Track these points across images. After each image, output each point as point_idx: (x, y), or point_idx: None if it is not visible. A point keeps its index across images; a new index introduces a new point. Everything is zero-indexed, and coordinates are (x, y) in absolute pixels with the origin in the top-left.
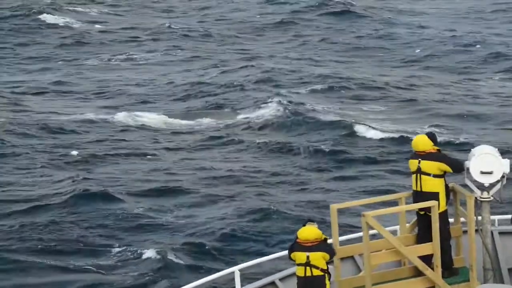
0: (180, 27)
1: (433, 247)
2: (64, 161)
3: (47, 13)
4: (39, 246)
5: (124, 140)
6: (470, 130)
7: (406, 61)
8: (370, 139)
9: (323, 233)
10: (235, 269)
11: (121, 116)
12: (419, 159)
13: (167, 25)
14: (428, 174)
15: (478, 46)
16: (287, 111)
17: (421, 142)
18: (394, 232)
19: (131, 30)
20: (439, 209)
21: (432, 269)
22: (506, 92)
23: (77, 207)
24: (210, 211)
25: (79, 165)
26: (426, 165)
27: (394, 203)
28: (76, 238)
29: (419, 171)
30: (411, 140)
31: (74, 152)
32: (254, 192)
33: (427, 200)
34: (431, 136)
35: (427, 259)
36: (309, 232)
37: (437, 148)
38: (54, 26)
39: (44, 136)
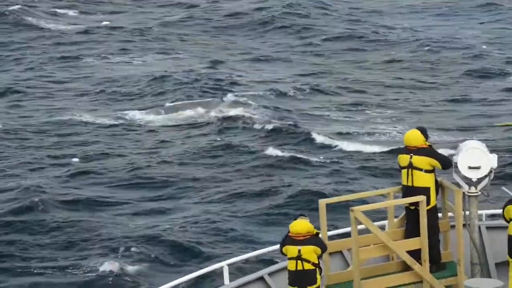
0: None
1: (421, 242)
2: (42, 161)
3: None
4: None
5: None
6: (449, 129)
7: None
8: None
9: (314, 227)
10: (224, 264)
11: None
12: (411, 154)
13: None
14: (420, 169)
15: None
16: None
17: (413, 137)
18: (382, 227)
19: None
20: (429, 204)
21: (420, 263)
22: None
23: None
24: (197, 207)
25: (54, 166)
26: (418, 160)
27: (383, 198)
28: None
29: (410, 166)
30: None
31: (48, 153)
32: (242, 188)
33: (418, 195)
34: (423, 131)
35: (415, 253)
36: (301, 226)
37: (429, 143)
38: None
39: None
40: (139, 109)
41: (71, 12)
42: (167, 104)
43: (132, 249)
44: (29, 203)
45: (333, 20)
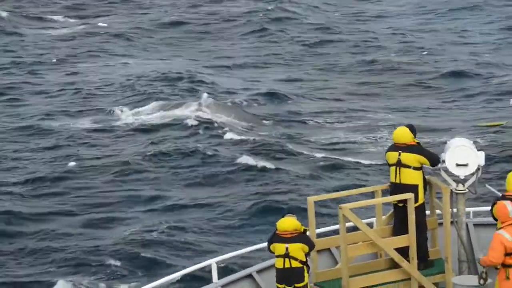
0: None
1: (409, 239)
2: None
3: None
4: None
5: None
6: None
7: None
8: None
9: (302, 225)
10: (212, 261)
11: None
12: (399, 151)
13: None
14: (408, 167)
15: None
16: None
17: (402, 134)
18: (370, 225)
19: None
20: (417, 201)
21: (408, 261)
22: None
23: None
24: (185, 206)
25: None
26: (407, 157)
27: (371, 195)
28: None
29: (399, 164)
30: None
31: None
32: (229, 186)
33: (406, 192)
34: (411, 128)
35: (403, 251)
36: (288, 223)
37: (417, 141)
38: None
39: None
40: (116, 112)
41: (54, 17)
42: (144, 108)
43: (116, 250)
44: None
45: (307, 27)
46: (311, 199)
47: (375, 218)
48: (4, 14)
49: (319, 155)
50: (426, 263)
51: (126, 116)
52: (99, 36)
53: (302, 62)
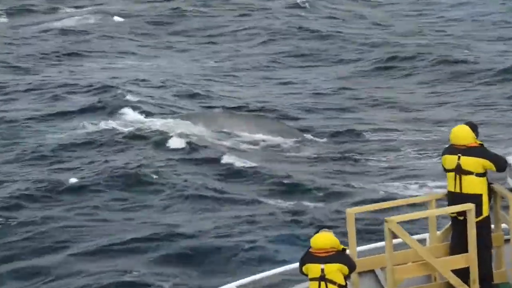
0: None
1: (469, 259)
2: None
3: None
4: None
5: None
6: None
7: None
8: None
9: (340, 242)
10: (233, 286)
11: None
12: (459, 155)
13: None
14: (471, 173)
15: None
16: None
17: (462, 134)
18: (422, 241)
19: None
20: (481, 214)
21: (468, 285)
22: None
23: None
24: (204, 219)
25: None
26: (468, 161)
27: (423, 207)
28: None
29: (458, 169)
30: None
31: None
32: (255, 197)
33: (468, 203)
34: (473, 126)
35: (462, 273)
36: (324, 239)
37: (480, 141)
38: None
39: None
40: (83, 121)
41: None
42: (113, 115)
43: (130, 268)
44: None
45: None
46: (351, 211)
47: (428, 234)
48: None
49: (360, 159)
50: (490, 287)
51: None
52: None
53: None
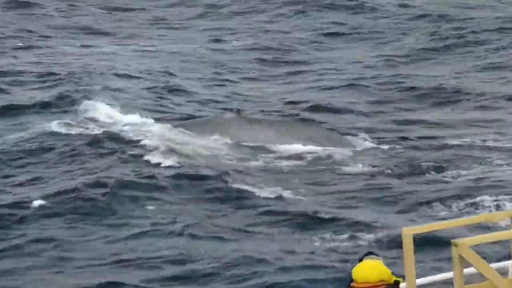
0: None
1: None
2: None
3: None
4: None
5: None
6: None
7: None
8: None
9: (392, 272)
10: None
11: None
12: None
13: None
14: None
15: None
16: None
17: None
18: (503, 271)
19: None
20: None
21: None
22: None
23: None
24: (229, 240)
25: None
26: None
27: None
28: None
29: None
30: None
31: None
32: (285, 230)
33: None
34: None
35: None
36: (370, 269)
37: None
38: None
39: None
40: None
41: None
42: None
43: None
44: None
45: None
46: (409, 231)
47: (511, 262)
48: None
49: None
50: None
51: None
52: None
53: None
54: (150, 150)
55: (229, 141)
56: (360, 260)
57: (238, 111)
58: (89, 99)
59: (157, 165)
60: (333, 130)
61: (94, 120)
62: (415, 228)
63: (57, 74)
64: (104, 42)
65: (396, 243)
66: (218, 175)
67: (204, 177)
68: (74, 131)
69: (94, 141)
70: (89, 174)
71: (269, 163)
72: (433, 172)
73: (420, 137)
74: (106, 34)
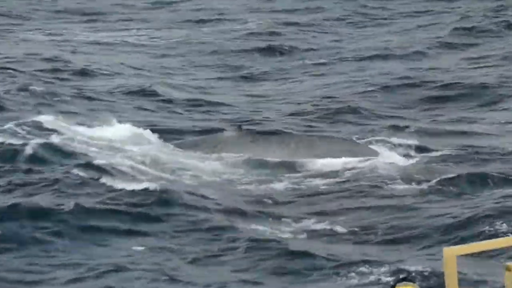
0: None
1: None
2: None
3: None
4: None
5: None
6: None
7: None
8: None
9: None
10: None
11: None
12: None
13: None
14: None
15: None
16: None
17: None
18: None
19: None
20: None
21: None
22: None
23: None
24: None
25: None
26: None
27: None
28: None
29: None
30: None
31: None
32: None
33: None
34: None
35: None
36: None
37: None
38: None
39: None
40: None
41: None
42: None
43: None
44: None
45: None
46: (451, 252)
47: None
48: None
49: None
50: None
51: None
52: None
53: None
54: (124, 174)
55: (231, 162)
56: (393, 286)
57: (240, 127)
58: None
59: (142, 192)
60: (352, 139)
61: (48, 128)
62: (459, 248)
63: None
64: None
65: (434, 264)
66: (224, 210)
67: (203, 209)
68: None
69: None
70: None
71: (286, 186)
72: (486, 184)
73: (465, 146)
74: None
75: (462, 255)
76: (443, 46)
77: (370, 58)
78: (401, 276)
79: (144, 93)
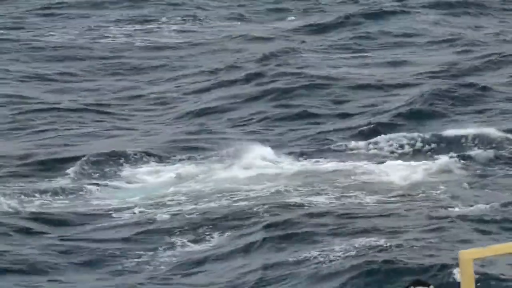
0: None
1: None
2: None
3: None
4: None
5: None
6: None
7: None
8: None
9: None
10: None
11: None
12: None
13: None
14: None
15: None
16: None
17: None
18: None
19: None
20: None
21: None
22: None
23: None
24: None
25: None
26: None
27: None
28: None
29: None
30: None
31: None
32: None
33: None
34: None
35: None
36: None
37: None
38: None
39: None
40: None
41: None
42: None
43: None
44: None
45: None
46: (467, 255)
47: None
48: None
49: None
50: None
51: None
52: None
53: None
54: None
55: (256, 176)
56: None
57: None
58: None
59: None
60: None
61: None
62: (475, 251)
63: None
64: None
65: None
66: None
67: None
68: None
69: None
70: None
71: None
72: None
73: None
74: None
75: (478, 258)
76: None
77: None
78: (415, 278)
79: None
